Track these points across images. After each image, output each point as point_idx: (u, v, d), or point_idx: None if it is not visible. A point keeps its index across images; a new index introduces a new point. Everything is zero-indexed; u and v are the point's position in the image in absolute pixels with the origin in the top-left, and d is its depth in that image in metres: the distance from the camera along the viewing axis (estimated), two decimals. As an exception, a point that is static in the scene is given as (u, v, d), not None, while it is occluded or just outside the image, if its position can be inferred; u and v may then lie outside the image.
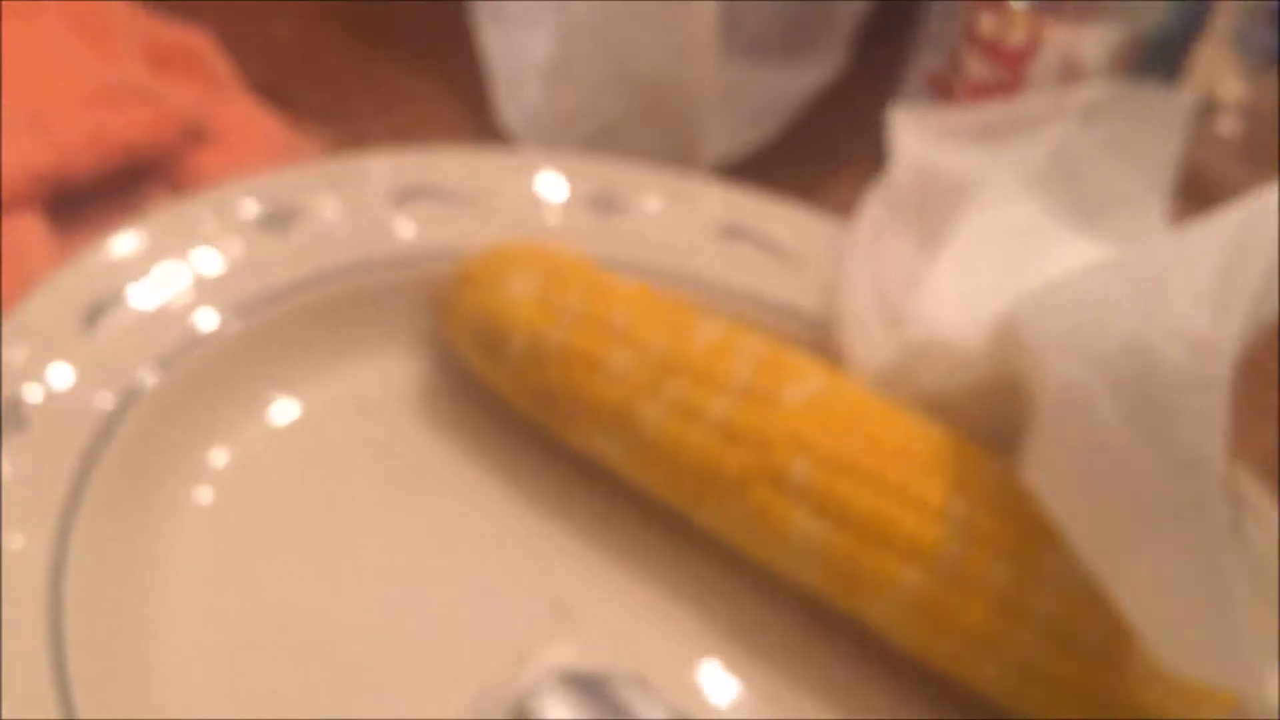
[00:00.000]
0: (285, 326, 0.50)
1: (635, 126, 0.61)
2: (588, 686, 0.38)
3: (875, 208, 0.54)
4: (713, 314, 0.49)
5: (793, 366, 0.48)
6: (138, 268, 0.49)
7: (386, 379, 0.52)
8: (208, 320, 0.49)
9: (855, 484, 0.45)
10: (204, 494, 0.47)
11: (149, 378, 0.47)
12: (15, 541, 0.41)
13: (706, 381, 0.47)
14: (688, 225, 0.55)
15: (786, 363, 0.48)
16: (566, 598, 0.43)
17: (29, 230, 0.52)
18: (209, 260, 0.50)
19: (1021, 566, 0.43)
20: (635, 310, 0.49)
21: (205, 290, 0.49)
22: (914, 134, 0.54)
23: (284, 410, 0.50)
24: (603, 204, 0.55)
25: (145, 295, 0.48)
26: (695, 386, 0.47)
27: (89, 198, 0.55)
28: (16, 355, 0.45)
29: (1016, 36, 0.57)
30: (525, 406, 0.50)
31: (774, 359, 0.48)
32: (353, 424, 0.50)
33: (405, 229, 0.52)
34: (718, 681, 0.45)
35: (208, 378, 0.48)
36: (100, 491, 0.44)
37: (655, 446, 0.47)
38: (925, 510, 0.44)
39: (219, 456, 0.48)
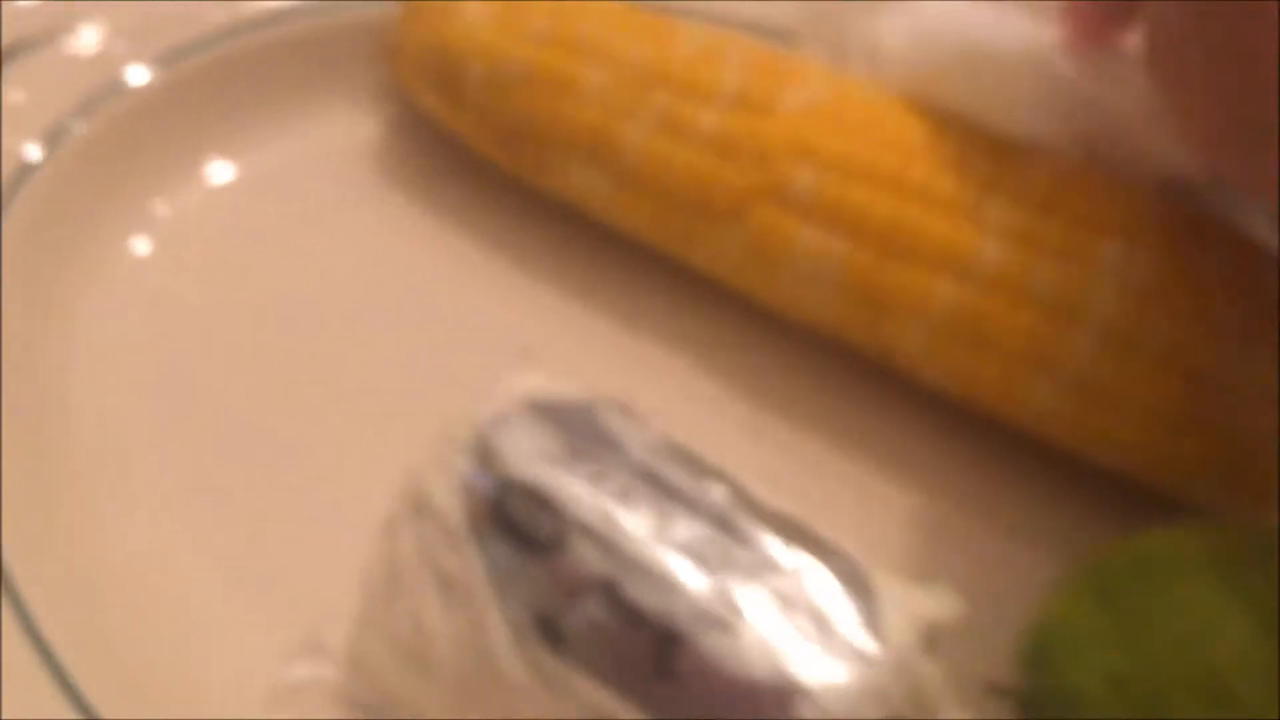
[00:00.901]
0: (220, 76, 0.45)
1: None
2: (558, 414, 0.32)
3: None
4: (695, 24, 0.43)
5: (790, 70, 0.41)
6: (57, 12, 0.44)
7: (336, 135, 0.46)
8: (136, 70, 0.44)
9: (872, 190, 0.38)
10: (142, 244, 0.42)
11: (75, 125, 0.42)
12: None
13: (693, 93, 0.40)
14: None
15: (783, 67, 0.41)
16: (537, 345, 0.37)
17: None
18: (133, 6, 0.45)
19: (1073, 264, 0.37)
20: (606, 23, 0.42)
21: (131, 37, 0.44)
22: None
23: (226, 168, 0.45)
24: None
25: (66, 41, 0.44)
26: (681, 100, 0.40)
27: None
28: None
29: None
30: (492, 151, 0.44)
31: (768, 64, 0.41)
32: (303, 180, 0.45)
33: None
34: (712, 425, 0.39)
35: (141, 129, 0.43)
36: (27, 233, 0.40)
37: (640, 174, 0.41)
38: (955, 212, 0.38)
39: (160, 207, 0.43)
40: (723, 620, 0.28)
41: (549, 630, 0.29)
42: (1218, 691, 0.29)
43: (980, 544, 0.37)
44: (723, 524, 0.30)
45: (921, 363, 0.39)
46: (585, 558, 0.29)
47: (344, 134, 0.46)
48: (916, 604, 0.29)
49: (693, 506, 0.30)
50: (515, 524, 0.30)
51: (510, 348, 0.35)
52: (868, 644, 0.28)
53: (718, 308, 0.42)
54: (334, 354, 0.40)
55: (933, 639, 0.30)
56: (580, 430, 0.31)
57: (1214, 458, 0.36)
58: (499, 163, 0.44)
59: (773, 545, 0.30)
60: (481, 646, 0.30)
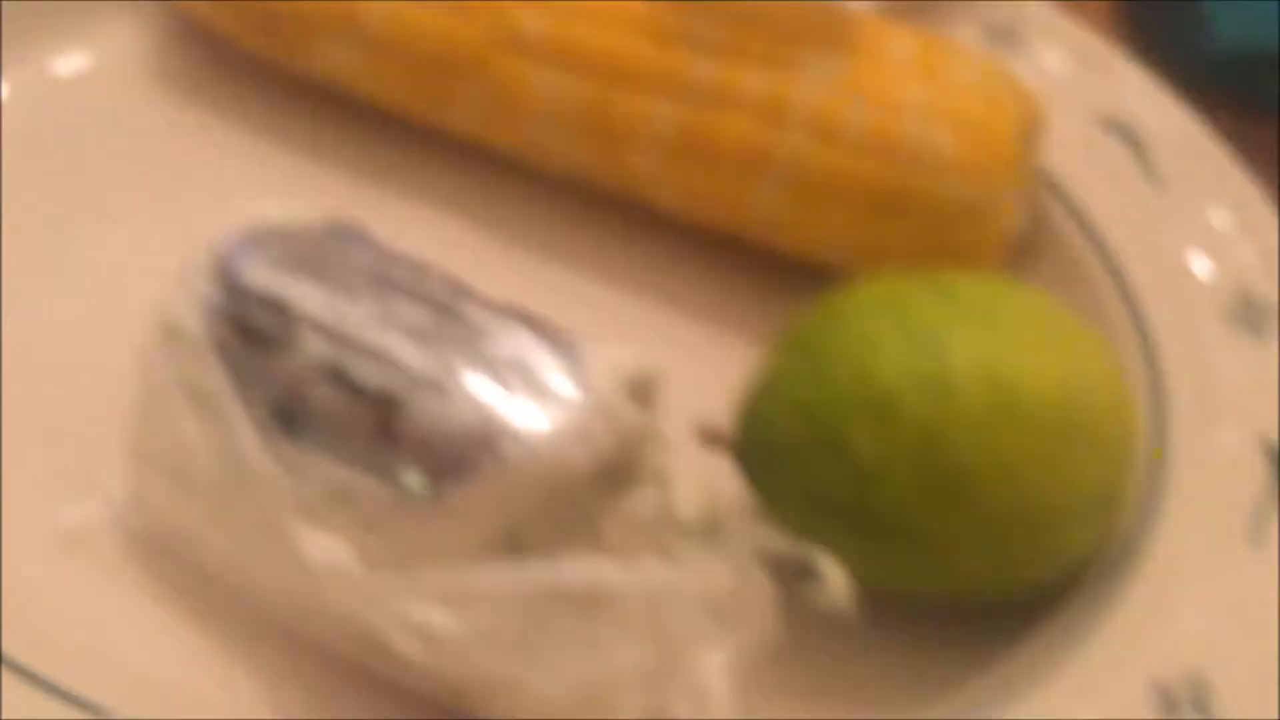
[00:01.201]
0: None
1: None
2: (292, 234, 0.34)
3: None
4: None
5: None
6: None
7: (104, 53, 0.47)
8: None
9: (593, 26, 0.41)
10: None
11: None
12: None
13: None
14: None
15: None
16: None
17: None
18: None
19: (778, 69, 0.40)
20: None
21: None
22: None
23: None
24: None
25: None
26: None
27: None
28: None
29: None
30: (253, 41, 0.46)
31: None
32: (66, 105, 0.46)
33: None
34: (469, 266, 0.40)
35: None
36: None
37: (386, 41, 0.43)
38: (665, 36, 0.41)
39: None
40: (437, 383, 0.31)
41: (287, 420, 0.32)
42: (884, 404, 0.32)
43: (710, 340, 0.41)
44: (443, 309, 0.33)
45: (658, 186, 0.42)
46: (313, 349, 0.32)
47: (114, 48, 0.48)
48: (622, 360, 0.32)
49: (414, 296, 0.33)
50: (251, 330, 0.33)
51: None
52: (572, 393, 0.31)
53: (480, 167, 0.45)
54: (85, 219, 0.42)
55: (644, 394, 0.33)
56: (312, 246, 0.34)
57: (921, 233, 0.40)
58: (261, 51, 0.46)
59: (487, 321, 0.33)
60: (232, 450, 0.32)
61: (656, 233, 0.43)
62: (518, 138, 0.43)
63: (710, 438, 0.34)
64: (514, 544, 0.31)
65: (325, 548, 0.30)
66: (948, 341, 0.33)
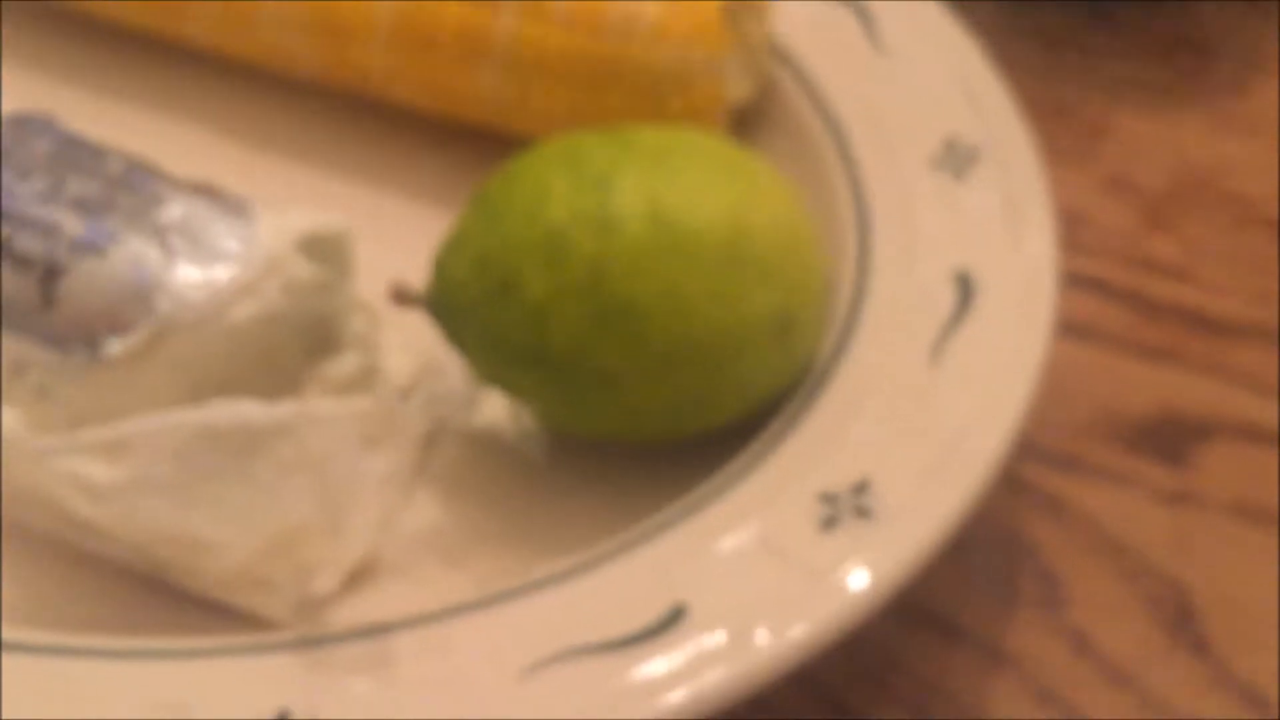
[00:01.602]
0: None
1: None
2: (45, 129, 0.35)
3: None
4: None
5: None
6: None
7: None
8: None
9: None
10: None
11: None
12: None
13: None
14: None
15: None
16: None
17: None
18: None
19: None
20: None
21: None
22: None
23: None
24: None
25: None
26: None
27: None
28: None
29: None
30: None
31: None
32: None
33: None
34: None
35: None
36: None
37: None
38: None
39: None
40: (96, 248, 0.31)
41: (-43, 301, 0.32)
42: (552, 243, 0.33)
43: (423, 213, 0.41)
44: (118, 184, 0.33)
45: (387, 80, 0.43)
46: (-20, 228, 0.32)
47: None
48: (297, 220, 0.33)
49: (89, 172, 0.33)
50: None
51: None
52: (238, 250, 0.32)
53: (225, 77, 0.45)
54: None
55: (327, 253, 0.34)
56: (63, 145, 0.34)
57: (635, 103, 0.40)
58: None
59: (163, 193, 0.33)
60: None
61: (392, 126, 0.44)
62: (252, 43, 0.44)
63: (401, 296, 0.35)
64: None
65: (-4, 419, 0.31)
66: (615, 183, 0.33)
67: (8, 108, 0.37)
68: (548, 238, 0.33)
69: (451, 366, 0.35)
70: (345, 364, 0.34)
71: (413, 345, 0.36)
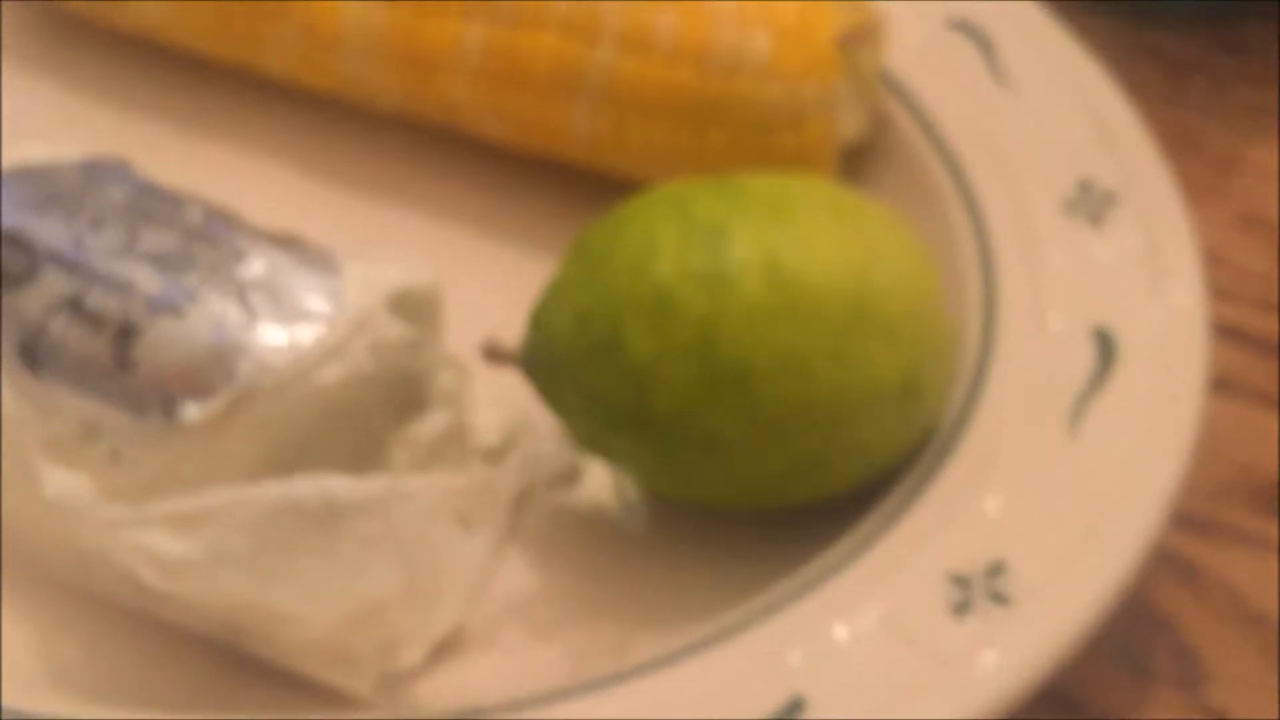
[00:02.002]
0: None
1: None
2: (49, 173, 0.33)
3: None
4: None
5: None
6: None
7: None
8: None
9: (395, -47, 0.40)
10: None
11: None
12: None
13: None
14: None
15: None
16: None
17: None
18: None
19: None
20: None
21: None
22: None
23: None
24: None
25: None
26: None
27: None
28: None
29: None
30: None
31: None
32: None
33: None
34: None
35: None
36: None
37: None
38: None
39: None
40: (174, 307, 0.29)
41: (30, 356, 0.30)
42: (659, 301, 0.30)
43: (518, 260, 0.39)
44: (197, 236, 0.31)
45: (474, 113, 0.41)
46: (54, 281, 0.30)
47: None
48: (386, 275, 0.31)
49: (165, 224, 0.31)
50: (-1, 272, 0.31)
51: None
52: (325, 309, 0.30)
53: (303, 110, 0.43)
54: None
55: (418, 310, 0.31)
56: (69, 183, 0.33)
57: (742, 141, 0.38)
58: (81, 12, 0.45)
59: (245, 246, 0.31)
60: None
61: (482, 164, 0.42)
62: (332, 75, 0.42)
63: (494, 353, 0.32)
64: (293, 471, 0.30)
65: (62, 483, 0.29)
66: (728, 237, 0.31)
67: (76, 145, 0.35)
68: (654, 294, 0.30)
69: (546, 428, 0.33)
70: (433, 423, 0.32)
71: (504, 402, 0.34)
